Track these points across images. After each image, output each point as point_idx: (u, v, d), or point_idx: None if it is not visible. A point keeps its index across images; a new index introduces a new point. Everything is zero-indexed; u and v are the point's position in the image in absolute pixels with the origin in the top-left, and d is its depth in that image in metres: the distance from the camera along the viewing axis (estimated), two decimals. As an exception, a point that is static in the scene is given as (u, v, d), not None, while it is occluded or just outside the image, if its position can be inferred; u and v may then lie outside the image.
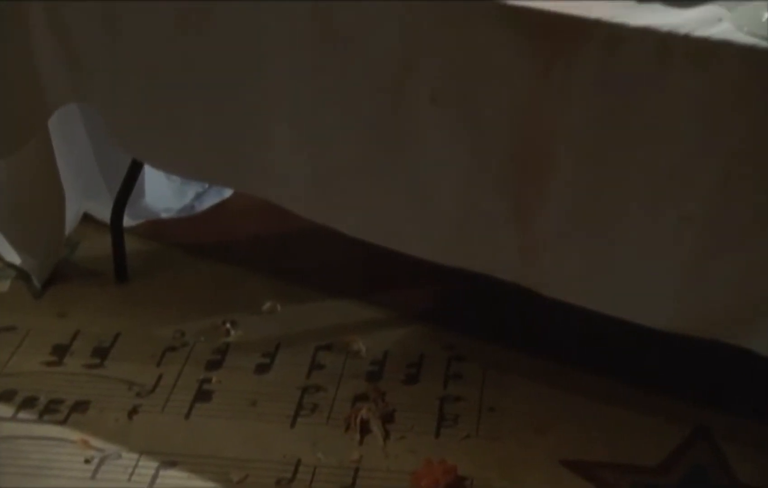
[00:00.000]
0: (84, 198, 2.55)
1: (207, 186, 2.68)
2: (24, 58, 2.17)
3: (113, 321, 2.32)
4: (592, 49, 1.65)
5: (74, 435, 2.03)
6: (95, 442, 2.01)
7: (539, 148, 1.75)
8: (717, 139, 1.59)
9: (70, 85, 2.19)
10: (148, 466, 1.96)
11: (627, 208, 1.69)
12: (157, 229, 2.60)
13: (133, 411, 2.09)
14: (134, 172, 2.42)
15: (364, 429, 2.03)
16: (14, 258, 2.47)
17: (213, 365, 2.20)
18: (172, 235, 2.59)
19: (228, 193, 2.69)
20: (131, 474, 1.95)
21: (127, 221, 2.49)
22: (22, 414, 2.09)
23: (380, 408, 2.07)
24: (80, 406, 2.10)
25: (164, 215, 2.64)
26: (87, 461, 1.97)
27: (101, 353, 2.24)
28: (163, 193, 2.64)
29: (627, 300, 1.75)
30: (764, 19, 1.57)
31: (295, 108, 1.95)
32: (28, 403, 2.11)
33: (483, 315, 2.31)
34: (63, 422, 2.06)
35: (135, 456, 1.98)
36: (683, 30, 1.59)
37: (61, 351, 2.25)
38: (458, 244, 1.88)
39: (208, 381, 2.17)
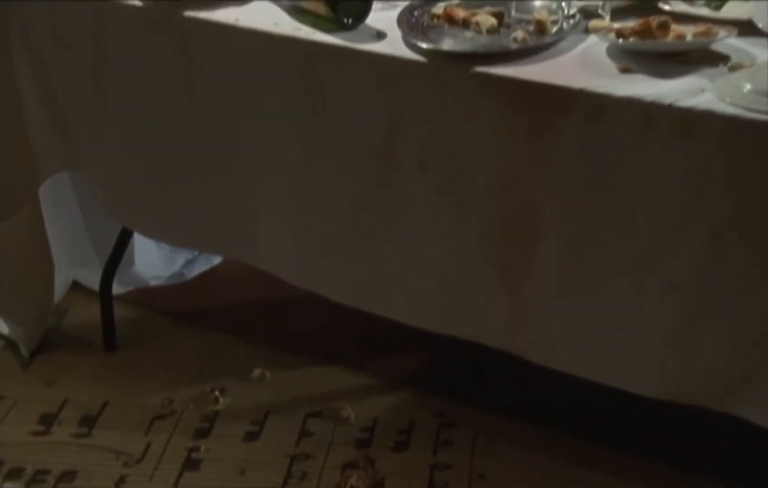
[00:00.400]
0: (73, 266, 2.56)
1: (196, 253, 2.69)
2: (15, 128, 2.20)
3: (101, 390, 2.31)
4: (577, 118, 1.68)
5: (61, 506, 2.02)
6: (82, 514, 2.00)
7: (526, 215, 1.76)
8: (702, 207, 1.61)
9: (60, 154, 2.21)
10: (135, 538, 1.95)
11: (613, 276, 1.70)
12: (146, 296, 2.60)
13: (121, 481, 2.07)
14: (124, 239, 2.43)
15: (354, 497, 2.03)
16: (2, 327, 2.47)
17: (201, 433, 2.19)
18: (162, 302, 2.59)
19: (217, 259, 2.70)
20: (119, 546, 1.93)
21: (116, 289, 2.49)
22: (8, 485, 2.07)
23: (370, 476, 2.06)
24: (67, 476, 2.09)
25: (153, 282, 2.64)
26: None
27: (89, 422, 2.23)
28: (152, 260, 2.64)
29: (614, 367, 1.75)
30: (745, 91, 1.59)
31: (283, 177, 1.97)
32: (14, 474, 2.10)
33: (473, 381, 2.31)
34: (50, 493, 2.06)
35: (122, 527, 1.97)
36: (667, 100, 1.61)
37: (48, 420, 2.23)
38: (446, 311, 1.89)
39: (197, 449, 2.15)
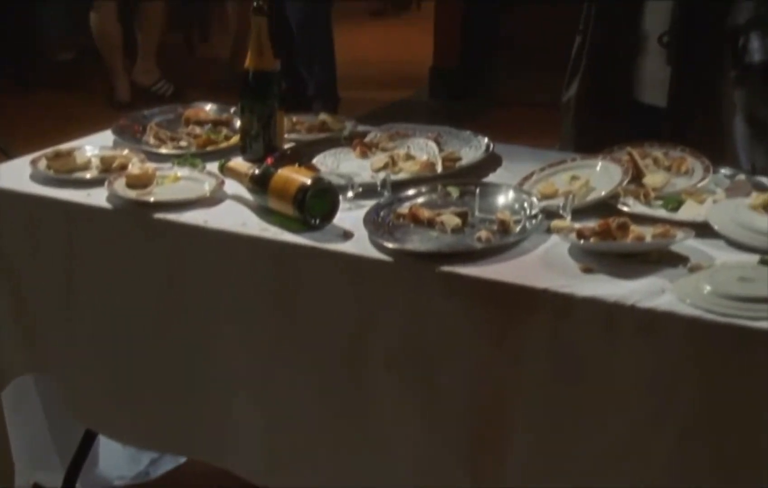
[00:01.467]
0: (35, 468, 2.49)
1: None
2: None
3: None
4: (543, 318, 1.70)
5: None
6: None
7: (495, 415, 1.76)
8: (669, 409, 1.62)
9: (26, 357, 2.19)
10: None
11: (582, 478, 1.69)
12: (110, 497, 2.54)
13: None
14: (88, 441, 2.39)
15: None
16: (-39, 529, 2.40)
17: None
18: (125, 503, 2.54)
19: (184, 458, 2.65)
20: None
21: (80, 490, 2.44)
22: None
23: None
24: None
25: (118, 483, 2.58)
26: None
27: None
28: (117, 460, 2.59)
29: None
30: (706, 292, 1.62)
31: (251, 376, 1.96)
32: None
33: None
34: None
35: None
36: (629, 301, 1.64)
37: None
38: (417, 510, 1.86)
39: None
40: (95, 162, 2.20)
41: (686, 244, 1.77)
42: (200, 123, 2.41)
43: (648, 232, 1.78)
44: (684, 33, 2.25)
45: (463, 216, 1.93)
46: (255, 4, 2.21)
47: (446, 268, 1.77)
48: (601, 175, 2.02)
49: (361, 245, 1.86)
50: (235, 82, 2.27)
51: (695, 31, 2.25)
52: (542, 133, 3.56)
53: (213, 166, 2.15)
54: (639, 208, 1.92)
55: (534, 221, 1.89)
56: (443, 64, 5.82)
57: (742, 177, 2.03)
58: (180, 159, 2.21)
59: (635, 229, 1.78)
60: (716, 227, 1.82)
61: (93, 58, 5.79)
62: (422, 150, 2.23)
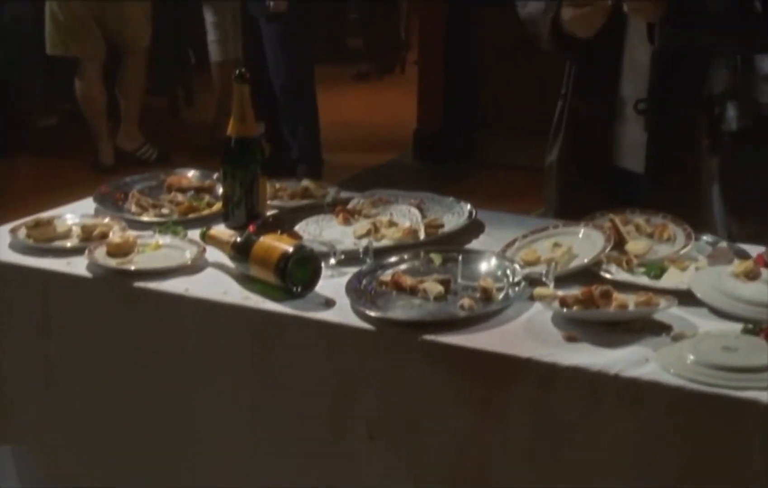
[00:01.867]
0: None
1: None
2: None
3: None
4: (527, 387, 1.69)
5: None
6: None
7: (478, 485, 1.75)
8: (652, 477, 1.61)
9: (1, 427, 2.16)
10: None
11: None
12: None
13: None
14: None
15: None
16: None
17: None
18: None
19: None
20: None
21: None
22: None
23: None
24: None
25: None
26: None
27: None
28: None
29: None
30: (689, 362, 1.62)
31: (233, 447, 1.94)
32: None
33: None
34: None
35: None
36: (612, 370, 1.63)
37: None
38: None
39: None
40: (76, 230, 2.18)
41: (669, 311, 1.77)
42: (183, 190, 2.40)
43: (631, 300, 1.78)
44: (660, 101, 2.27)
45: (445, 283, 1.92)
46: (237, 71, 2.22)
47: (429, 337, 1.76)
48: (583, 242, 2.02)
49: (343, 313, 1.85)
50: (220, 145, 2.27)
51: (671, 99, 2.27)
52: (526, 195, 3.58)
53: (195, 234, 2.13)
54: (622, 276, 1.91)
55: (517, 288, 1.88)
56: (427, 127, 5.86)
57: (723, 244, 2.03)
58: (162, 226, 2.20)
59: (618, 297, 1.78)
60: (699, 295, 1.82)
61: (76, 123, 5.80)
62: (405, 216, 2.23)
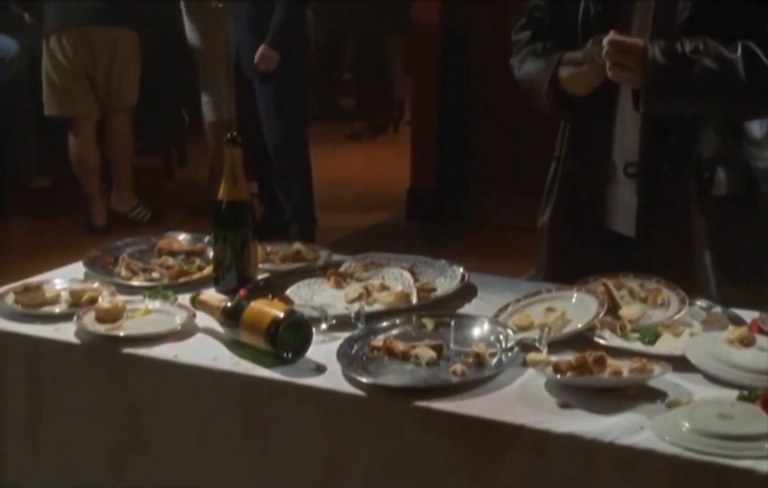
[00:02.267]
0: None
1: None
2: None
3: None
4: (520, 454, 1.67)
5: None
6: None
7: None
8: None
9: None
10: None
11: None
12: None
13: None
14: None
15: None
16: None
17: None
18: None
19: None
20: None
21: None
22: None
23: None
24: None
25: None
26: None
27: None
28: None
29: None
30: (684, 429, 1.60)
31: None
32: None
33: None
34: None
35: None
36: (607, 438, 1.61)
37: None
38: None
39: None
40: (65, 296, 2.16)
41: (664, 378, 1.75)
42: (173, 253, 2.39)
43: (625, 366, 1.76)
44: (650, 164, 2.27)
45: (438, 349, 1.90)
46: (228, 135, 2.21)
47: (421, 403, 1.74)
48: (576, 307, 2.01)
49: (334, 379, 1.83)
50: (213, 206, 2.26)
51: (661, 162, 2.27)
52: (519, 256, 3.57)
53: (185, 298, 2.12)
54: (616, 341, 1.90)
55: (510, 354, 1.86)
56: (420, 187, 5.87)
57: (718, 309, 2.02)
58: (152, 291, 2.18)
59: (612, 363, 1.76)
60: (694, 361, 1.80)
61: (69, 184, 5.80)
62: (397, 280, 2.22)
